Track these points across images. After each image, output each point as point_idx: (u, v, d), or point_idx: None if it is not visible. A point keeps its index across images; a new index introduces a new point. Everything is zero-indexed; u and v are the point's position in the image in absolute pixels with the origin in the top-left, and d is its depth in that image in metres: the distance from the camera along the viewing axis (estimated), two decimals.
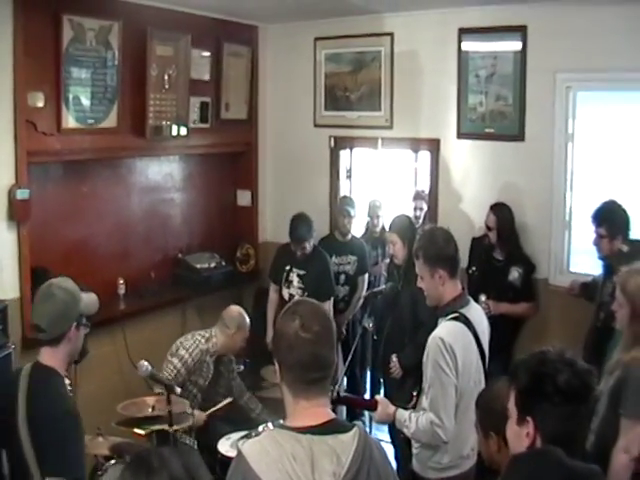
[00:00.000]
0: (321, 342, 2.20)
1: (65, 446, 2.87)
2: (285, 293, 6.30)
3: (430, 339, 3.53)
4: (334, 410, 2.36)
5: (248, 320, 5.22)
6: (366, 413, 6.41)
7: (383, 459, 2.26)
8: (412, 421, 3.58)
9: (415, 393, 3.77)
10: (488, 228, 5.74)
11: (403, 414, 3.64)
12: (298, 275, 6.23)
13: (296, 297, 6.07)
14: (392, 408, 3.70)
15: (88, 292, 3.33)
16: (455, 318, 3.58)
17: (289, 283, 6.27)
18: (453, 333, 3.53)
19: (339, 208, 6.68)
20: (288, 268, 6.28)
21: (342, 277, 6.51)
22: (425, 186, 6.68)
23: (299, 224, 6.12)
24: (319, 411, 2.21)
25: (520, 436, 2.00)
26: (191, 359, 4.95)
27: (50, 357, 3.07)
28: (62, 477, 2.79)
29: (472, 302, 3.76)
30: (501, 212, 5.74)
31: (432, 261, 3.60)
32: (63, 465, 2.84)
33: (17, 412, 2.92)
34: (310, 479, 2.05)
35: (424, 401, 3.58)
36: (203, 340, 5.08)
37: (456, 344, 3.48)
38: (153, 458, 2.19)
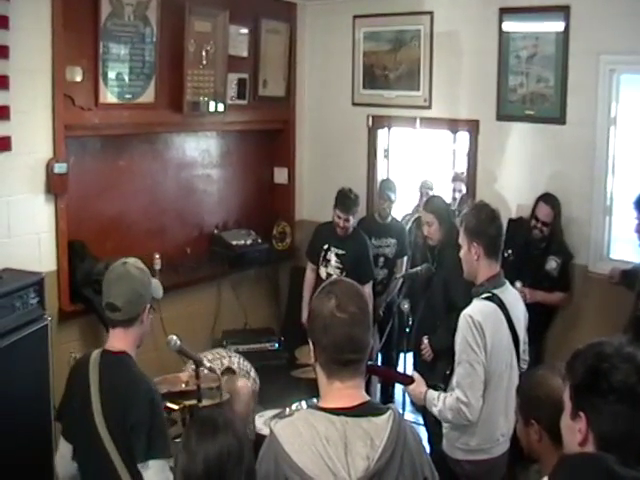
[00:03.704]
0: (356, 323, 2.18)
1: (155, 426, 2.76)
2: (322, 272, 6.26)
3: (460, 317, 3.55)
4: (367, 387, 2.34)
5: None
6: (397, 397, 6.42)
7: (417, 443, 2.24)
8: (440, 400, 3.59)
9: (448, 372, 3.75)
10: (541, 222, 5.57)
11: (433, 394, 3.65)
12: (336, 254, 6.18)
13: (334, 277, 6.04)
14: (424, 388, 3.70)
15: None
16: (488, 298, 3.57)
17: (327, 262, 6.23)
18: (483, 312, 3.53)
19: (380, 192, 6.61)
20: (326, 247, 6.23)
21: (381, 260, 6.46)
22: (463, 167, 6.60)
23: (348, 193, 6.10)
24: (353, 393, 2.19)
25: (573, 431, 1.91)
26: None
27: (121, 340, 2.95)
28: (161, 458, 2.71)
29: (508, 285, 3.74)
30: (556, 204, 5.58)
31: (470, 233, 3.65)
32: (156, 446, 2.73)
33: (91, 404, 2.80)
34: (343, 462, 2.04)
35: (454, 381, 3.58)
36: None
37: (485, 323, 3.48)
38: (218, 418, 2.23)
